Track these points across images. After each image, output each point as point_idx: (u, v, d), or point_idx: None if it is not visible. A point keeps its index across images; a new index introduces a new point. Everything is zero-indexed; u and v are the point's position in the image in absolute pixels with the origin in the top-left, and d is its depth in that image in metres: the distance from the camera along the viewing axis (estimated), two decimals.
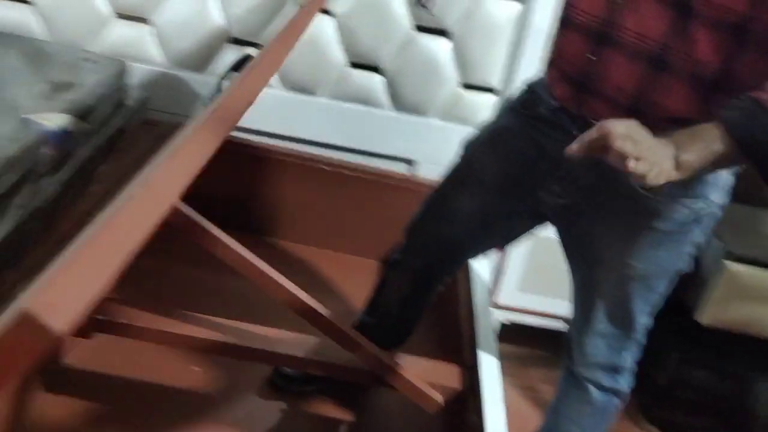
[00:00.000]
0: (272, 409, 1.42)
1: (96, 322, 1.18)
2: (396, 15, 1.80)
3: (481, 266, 1.52)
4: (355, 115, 1.92)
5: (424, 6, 1.11)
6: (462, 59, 1.86)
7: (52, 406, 1.30)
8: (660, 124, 0.98)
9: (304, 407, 1.43)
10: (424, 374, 1.24)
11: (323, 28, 1.83)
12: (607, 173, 1.03)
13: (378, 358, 1.18)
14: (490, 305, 1.75)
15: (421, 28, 1.83)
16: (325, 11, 1.82)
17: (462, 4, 1.79)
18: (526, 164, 1.13)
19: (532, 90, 1.13)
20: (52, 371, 1.35)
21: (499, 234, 1.25)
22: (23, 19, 1.81)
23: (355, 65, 1.88)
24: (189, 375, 1.44)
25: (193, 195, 1.84)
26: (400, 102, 1.91)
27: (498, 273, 1.73)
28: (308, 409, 1.43)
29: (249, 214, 1.90)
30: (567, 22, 1.04)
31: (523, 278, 1.73)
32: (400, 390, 1.20)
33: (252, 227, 1.89)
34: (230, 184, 1.86)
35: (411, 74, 1.87)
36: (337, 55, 1.86)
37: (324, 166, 1.85)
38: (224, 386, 1.44)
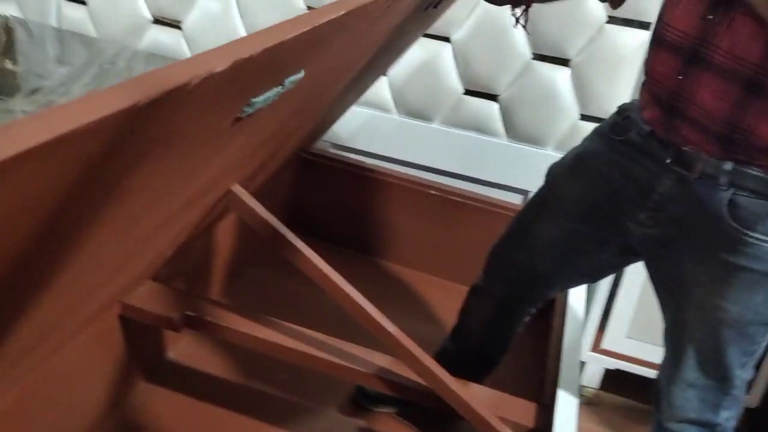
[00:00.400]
0: (349, 426, 1.42)
1: (188, 318, 1.26)
2: (514, 42, 1.78)
3: (577, 302, 1.44)
4: (469, 142, 1.92)
5: (523, 26, 1.10)
6: (582, 90, 1.80)
7: (150, 395, 1.39)
8: (753, 154, 0.89)
9: (380, 428, 1.42)
10: (497, 407, 1.19)
11: (440, 55, 1.85)
12: (699, 204, 0.95)
13: (447, 385, 1.15)
14: (593, 350, 1.65)
15: (540, 57, 1.79)
16: (443, 38, 1.84)
17: (585, 32, 1.73)
18: (612, 191, 1.06)
19: (624, 113, 1.07)
20: (154, 364, 1.45)
21: (586, 266, 1.17)
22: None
23: (471, 92, 1.88)
24: (277, 382, 1.49)
25: (303, 212, 1.94)
26: (515, 131, 1.88)
27: (605, 316, 1.62)
28: (383, 430, 1.42)
29: (357, 232, 1.94)
30: (659, 40, 0.97)
31: (631, 324, 1.61)
32: (469, 421, 1.16)
33: (359, 246, 1.93)
34: (340, 203, 1.92)
35: (528, 103, 1.84)
36: (453, 81, 1.87)
37: (433, 191, 1.85)
38: (307, 397, 1.46)
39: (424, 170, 1.94)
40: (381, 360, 1.27)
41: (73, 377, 1.18)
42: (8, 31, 1.77)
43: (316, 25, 0.60)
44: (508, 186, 1.91)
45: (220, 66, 0.45)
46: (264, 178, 1.44)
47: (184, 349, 1.52)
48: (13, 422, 1.04)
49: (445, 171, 1.93)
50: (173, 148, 0.54)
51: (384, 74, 1.89)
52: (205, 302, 1.31)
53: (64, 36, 1.87)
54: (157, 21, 2.03)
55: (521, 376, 1.45)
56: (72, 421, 1.22)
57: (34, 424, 1.11)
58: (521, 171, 1.90)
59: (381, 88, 1.92)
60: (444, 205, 1.86)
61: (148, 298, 1.26)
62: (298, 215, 1.92)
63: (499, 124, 1.89)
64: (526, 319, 1.31)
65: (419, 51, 1.85)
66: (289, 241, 1.18)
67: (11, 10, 2.07)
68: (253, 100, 0.63)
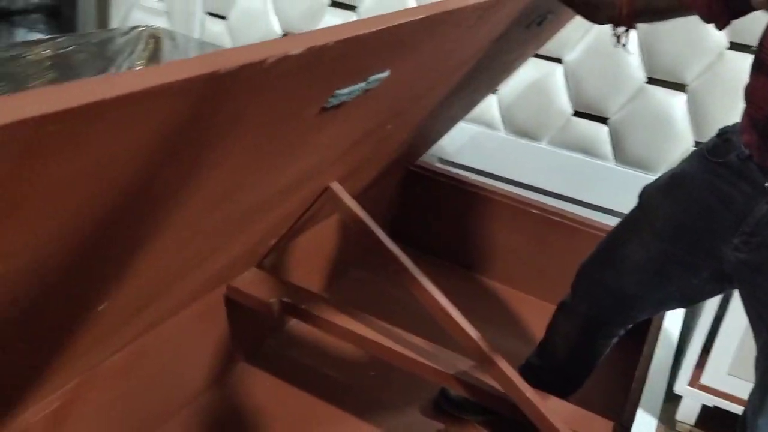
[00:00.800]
0: (429, 427, 1.45)
1: (285, 305, 1.35)
2: (628, 65, 1.77)
3: (672, 329, 1.40)
4: (575, 164, 1.91)
5: (624, 45, 1.11)
6: (698, 116, 1.75)
7: (248, 375, 1.50)
8: None
9: None
10: (573, 421, 1.18)
11: (551, 75, 1.87)
12: None
13: (524, 394, 1.17)
14: (691, 384, 1.58)
15: (654, 81, 1.77)
16: (555, 58, 1.85)
17: (704, 57, 1.69)
18: (706, 214, 1.04)
19: (724, 135, 1.05)
20: (255, 347, 1.56)
21: (676, 290, 1.14)
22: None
23: (580, 114, 1.88)
24: (366, 378, 1.55)
25: (406, 222, 2.00)
26: (624, 155, 1.85)
27: (706, 350, 1.55)
28: None
29: (455, 246, 1.98)
30: (758, 65, 0.95)
31: (733, 360, 1.53)
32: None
33: (455, 259, 1.97)
34: (442, 216, 1.97)
35: (639, 127, 1.81)
36: (563, 102, 1.88)
37: (534, 210, 1.86)
38: (393, 396, 1.52)
39: (527, 189, 1.96)
40: (464, 364, 1.30)
41: (179, 347, 1.30)
42: (156, 40, 1.98)
43: (397, 24, 0.67)
44: (612, 210, 1.88)
45: (295, 50, 0.52)
46: (365, 182, 1.52)
47: (284, 337, 1.62)
48: (122, 380, 1.17)
49: (548, 191, 1.93)
50: (260, 126, 0.62)
51: (493, 92, 1.93)
52: (302, 292, 1.40)
53: (205, 47, 2.06)
54: (286, 35, 2.19)
55: (607, 394, 1.43)
56: (174, 388, 1.34)
57: (140, 385, 1.23)
58: (628, 196, 1.85)
59: (490, 106, 1.96)
60: (544, 224, 1.86)
61: (251, 283, 1.37)
62: (400, 225, 1.99)
63: (607, 147, 1.87)
64: (613, 340, 1.29)
65: (530, 70, 1.87)
66: (381, 240, 1.24)
67: (161, 23, 2.31)
68: (338, 91, 0.70)
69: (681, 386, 1.60)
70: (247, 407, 1.43)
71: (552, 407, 1.20)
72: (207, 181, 0.65)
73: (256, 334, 1.56)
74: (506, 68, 1.52)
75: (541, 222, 1.86)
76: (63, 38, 1.93)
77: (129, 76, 0.40)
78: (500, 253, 1.93)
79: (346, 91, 0.71)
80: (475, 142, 1.98)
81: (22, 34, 2.42)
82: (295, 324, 1.62)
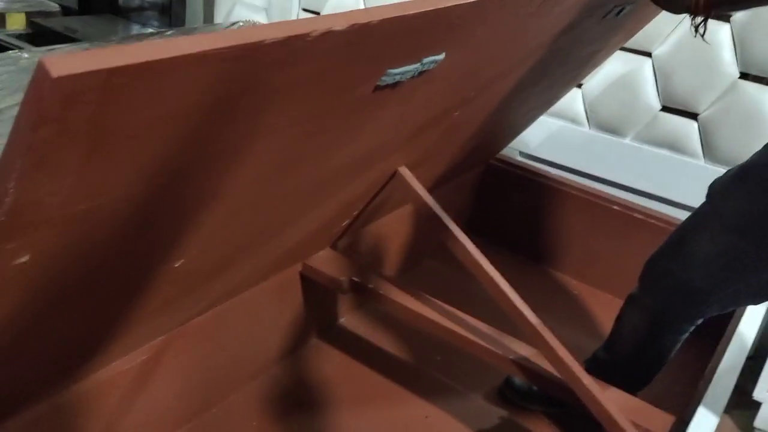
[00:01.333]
0: (492, 414, 1.47)
1: (354, 284, 1.42)
2: (721, 60, 1.71)
3: (748, 329, 1.35)
4: (662, 161, 1.87)
5: (701, 36, 1.09)
6: None
7: (319, 351, 1.58)
8: None
9: (520, 422, 1.45)
10: (632, 412, 1.17)
11: (639, 69, 1.83)
12: None
13: (582, 382, 1.17)
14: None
15: (748, 76, 1.70)
16: (644, 52, 1.82)
17: None
18: None
19: None
20: (328, 325, 1.63)
21: (745, 286, 1.11)
22: None
23: (669, 109, 1.83)
24: (432, 362, 1.59)
25: (483, 215, 2.02)
26: (714, 153, 1.79)
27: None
28: (523, 425, 1.45)
29: (532, 240, 1.98)
30: None
31: None
32: (600, 422, 1.16)
33: (532, 254, 1.97)
34: (521, 210, 1.97)
35: (731, 124, 1.75)
36: (651, 97, 1.84)
37: (616, 207, 1.83)
38: (458, 381, 1.55)
39: (610, 185, 1.93)
40: (526, 351, 1.31)
41: (257, 317, 1.39)
42: None
43: (447, 6, 0.70)
44: None
45: (338, 26, 0.57)
46: (438, 171, 1.56)
47: (356, 318, 1.69)
48: (202, 343, 1.26)
49: (632, 188, 1.90)
50: (313, 96, 0.67)
51: (577, 86, 1.92)
52: (373, 273, 1.46)
53: None
54: None
55: (675, 394, 1.40)
56: (249, 356, 1.43)
57: (218, 350, 1.33)
58: None
59: (574, 100, 1.94)
60: (627, 222, 1.82)
61: (325, 262, 1.44)
62: (479, 218, 2.02)
63: (696, 144, 1.81)
64: (682, 336, 1.26)
65: (617, 64, 1.85)
66: (447, 227, 1.28)
67: (261, 18, 2.44)
68: (390, 70, 0.74)
69: (761, 392, 1.53)
70: (316, 381, 1.51)
71: (611, 397, 1.20)
72: (268, 145, 0.71)
73: (329, 312, 1.64)
74: (587, 62, 1.51)
75: (623, 219, 1.83)
76: (172, 31, 2.08)
77: (185, 41, 0.47)
78: (579, 249, 1.91)
79: (399, 70, 0.76)
80: (558, 136, 1.97)
81: (137, 29, 2.63)
82: (367, 307, 1.68)
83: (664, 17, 1.70)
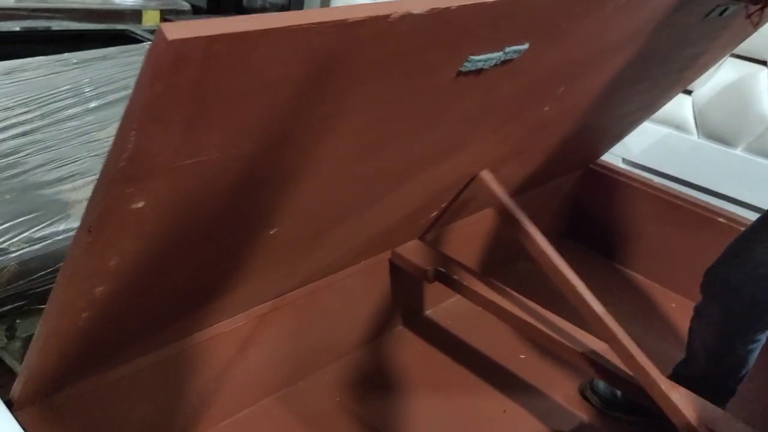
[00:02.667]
0: (569, 416, 1.47)
1: (439, 274, 1.46)
2: None
3: None
4: None
5: (755, 24, 1.05)
6: None
7: (403, 339, 1.63)
8: None
9: (599, 427, 1.44)
10: (706, 417, 1.14)
11: (754, 78, 1.76)
12: None
13: (657, 383, 1.15)
14: None
15: None
16: (759, 60, 1.74)
17: None
18: None
19: None
20: (414, 314, 1.69)
21: None
22: None
23: None
24: (515, 359, 1.61)
25: (584, 221, 1.99)
26: None
27: None
28: (602, 430, 1.43)
29: (632, 249, 1.94)
30: None
31: None
32: (675, 424, 1.14)
33: (629, 263, 1.93)
34: (621, 218, 1.94)
35: None
36: (765, 107, 1.76)
37: (721, 219, 1.77)
38: (539, 380, 1.55)
39: (717, 197, 1.86)
40: (608, 353, 1.30)
41: (348, 298, 1.46)
42: None
43: None
44: None
45: (418, 9, 0.62)
46: (529, 170, 1.57)
47: (441, 310, 1.73)
48: (297, 318, 1.35)
49: (740, 201, 1.82)
50: (395, 78, 0.72)
51: (687, 92, 1.86)
52: (459, 265, 1.49)
53: None
54: None
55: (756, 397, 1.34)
56: (337, 336, 1.50)
57: (310, 327, 1.40)
58: None
59: (682, 107, 1.89)
60: (730, 235, 1.74)
61: (413, 251, 1.50)
62: (578, 222, 2.00)
63: None
64: (754, 346, 1.22)
65: (730, 71, 1.78)
66: (526, 230, 1.29)
67: None
68: (472, 57, 0.78)
69: None
70: (398, 367, 1.56)
71: (683, 398, 1.17)
72: (353, 124, 0.77)
73: (416, 302, 1.69)
74: (691, 65, 1.47)
75: (729, 232, 1.76)
76: None
77: (277, 17, 0.54)
78: (679, 262, 1.85)
79: (482, 57, 0.80)
80: (664, 144, 1.93)
81: None
82: (454, 300, 1.72)
83: None
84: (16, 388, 0.93)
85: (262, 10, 2.84)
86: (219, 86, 0.58)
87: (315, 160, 0.81)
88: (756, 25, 1.02)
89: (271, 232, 0.96)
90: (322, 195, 0.95)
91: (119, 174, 0.62)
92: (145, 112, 0.56)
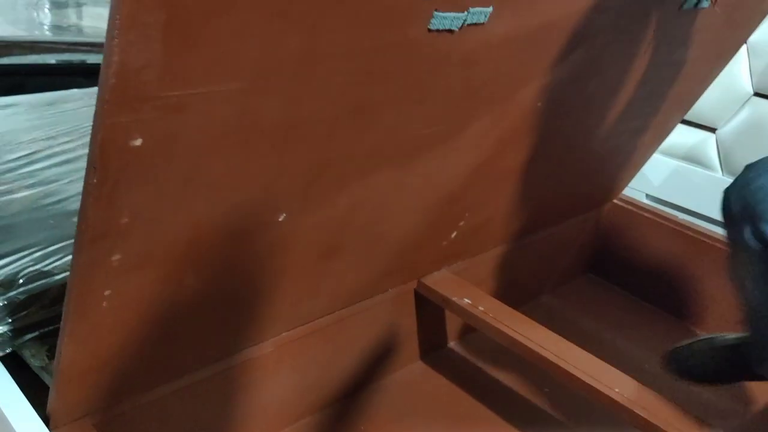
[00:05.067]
0: None
1: (466, 306, 1.47)
2: None
3: None
4: None
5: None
6: None
7: (426, 376, 1.63)
8: None
9: None
10: None
11: None
12: None
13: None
14: None
15: None
16: None
17: None
18: None
19: None
20: (436, 348, 1.69)
21: None
22: None
23: None
24: (539, 393, 1.60)
25: (609, 259, 1.99)
26: None
27: None
28: None
29: (657, 286, 1.94)
30: None
31: None
32: None
33: (656, 300, 1.93)
34: (645, 254, 1.94)
35: None
36: None
37: None
38: (563, 414, 1.54)
39: None
40: (632, 392, 1.28)
41: (373, 326, 1.47)
42: None
43: None
44: None
45: None
46: (541, 204, 1.58)
47: (465, 343, 1.73)
48: (321, 346, 1.36)
49: None
50: (360, 25, 0.74)
51: (710, 129, 1.87)
52: (484, 297, 1.51)
53: None
54: None
55: None
56: (362, 363, 1.51)
57: (333, 356, 1.42)
58: None
59: (706, 144, 1.90)
60: None
61: (438, 281, 1.51)
62: (603, 258, 2.01)
63: None
64: None
65: (753, 110, 1.80)
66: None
67: None
68: (437, 12, 0.81)
69: None
70: (421, 397, 1.55)
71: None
72: (329, 77, 0.81)
73: (440, 333, 1.69)
74: (687, 73, 1.47)
75: None
76: None
77: None
78: (705, 298, 1.85)
79: (447, 15, 0.82)
80: (688, 181, 1.94)
81: None
82: (478, 333, 1.72)
83: None
84: (51, 404, 0.95)
85: None
86: None
87: (308, 120, 0.85)
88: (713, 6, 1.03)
89: (280, 219, 0.98)
90: (325, 173, 0.97)
91: (110, 93, 0.64)
92: (121, 17, 0.59)
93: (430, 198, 1.26)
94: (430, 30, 0.83)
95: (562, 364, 1.32)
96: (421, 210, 1.28)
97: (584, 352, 1.35)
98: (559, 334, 1.40)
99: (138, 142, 0.70)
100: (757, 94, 1.80)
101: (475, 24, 0.87)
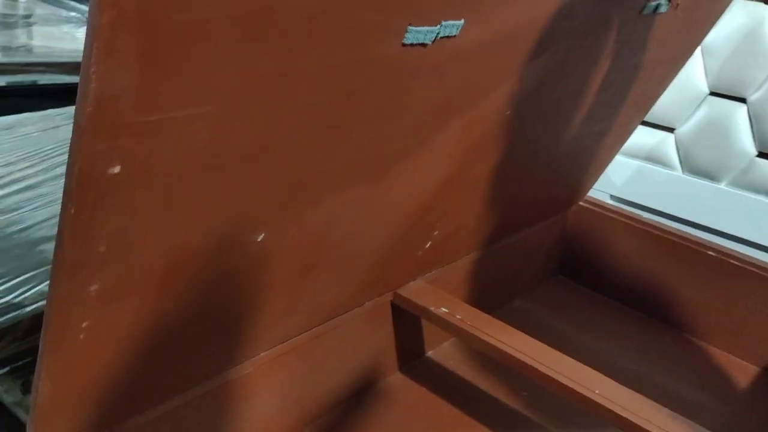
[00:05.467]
0: None
1: (443, 315, 1.47)
2: None
3: None
4: (760, 207, 1.84)
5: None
6: None
7: (405, 387, 1.63)
8: None
9: None
10: None
11: (734, 114, 1.83)
12: None
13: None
14: None
15: None
16: (738, 98, 1.82)
17: None
18: None
19: None
20: (414, 358, 1.69)
21: None
22: None
23: (766, 155, 1.81)
24: (519, 398, 1.61)
25: (577, 261, 2.02)
26: None
27: None
28: None
29: (625, 284, 1.97)
30: None
31: None
32: None
33: (624, 298, 1.96)
34: (612, 254, 1.98)
35: None
36: (746, 142, 1.82)
37: (711, 253, 1.81)
38: (542, 417, 1.55)
39: (702, 230, 1.91)
40: (615, 395, 1.30)
41: (350, 341, 1.47)
42: None
43: None
44: None
45: None
46: (509, 209, 1.59)
47: (443, 352, 1.74)
48: (301, 359, 1.35)
49: (727, 234, 1.87)
50: (333, 40, 0.73)
51: (669, 129, 1.92)
52: (460, 305, 1.51)
53: None
54: None
55: None
56: (340, 378, 1.50)
57: (312, 373, 1.40)
58: None
59: (666, 144, 1.95)
60: (720, 267, 1.80)
61: (414, 292, 1.52)
62: (571, 260, 2.04)
63: None
64: None
65: (710, 109, 1.85)
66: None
67: None
68: (411, 27, 0.82)
69: None
70: (402, 409, 1.53)
71: None
72: (300, 87, 0.80)
73: (417, 344, 1.69)
74: (649, 75, 1.51)
75: (717, 265, 1.80)
76: None
77: None
78: (673, 294, 1.89)
79: (422, 29, 0.84)
80: (650, 180, 1.98)
81: None
82: (456, 342, 1.73)
83: (759, 63, 1.71)
84: None
85: None
86: (159, 19, 0.60)
87: (283, 140, 0.85)
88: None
89: (259, 239, 0.97)
90: (301, 192, 0.97)
91: (88, 121, 0.63)
92: (98, 44, 0.58)
93: (405, 210, 1.27)
94: (404, 44, 0.84)
95: (541, 368, 1.33)
96: (396, 222, 1.28)
97: (563, 356, 1.37)
98: (534, 337, 1.41)
99: (116, 169, 0.69)
100: (712, 93, 1.85)
101: (447, 37, 0.88)
